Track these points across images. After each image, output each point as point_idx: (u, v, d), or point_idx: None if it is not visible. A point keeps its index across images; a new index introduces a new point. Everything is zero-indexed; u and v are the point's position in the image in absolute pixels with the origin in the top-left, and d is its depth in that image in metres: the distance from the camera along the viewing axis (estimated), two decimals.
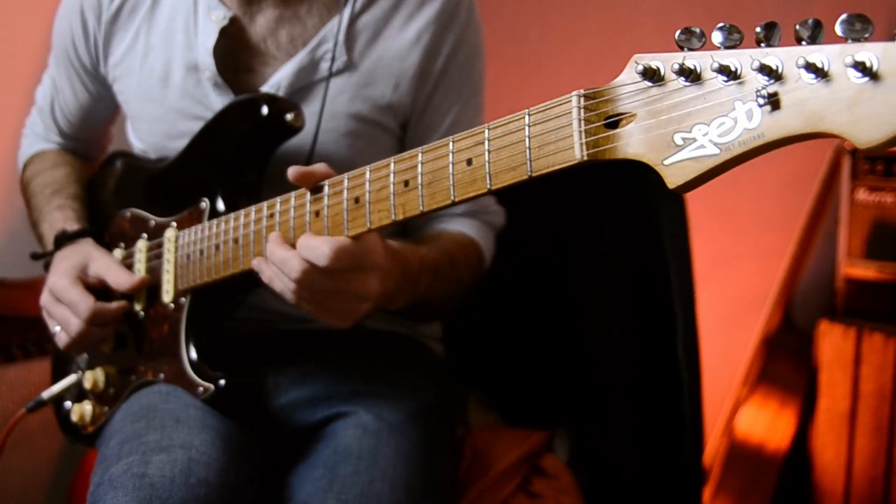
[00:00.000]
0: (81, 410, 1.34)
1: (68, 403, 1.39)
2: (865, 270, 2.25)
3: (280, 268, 1.03)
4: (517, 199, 1.43)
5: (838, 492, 2.22)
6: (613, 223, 1.68)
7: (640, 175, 1.58)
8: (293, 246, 1.04)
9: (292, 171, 1.05)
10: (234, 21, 1.31)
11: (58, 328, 1.30)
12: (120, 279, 1.28)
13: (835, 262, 2.34)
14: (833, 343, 2.24)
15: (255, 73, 1.33)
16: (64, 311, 1.28)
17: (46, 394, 1.35)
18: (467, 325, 1.63)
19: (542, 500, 1.44)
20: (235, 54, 1.32)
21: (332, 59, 1.29)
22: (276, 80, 1.30)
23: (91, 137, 1.59)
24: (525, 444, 1.51)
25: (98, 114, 1.53)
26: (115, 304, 1.28)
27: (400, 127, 1.36)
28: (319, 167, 1.06)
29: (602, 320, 1.69)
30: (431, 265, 1.22)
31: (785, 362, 2.38)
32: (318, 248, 1.00)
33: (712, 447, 2.40)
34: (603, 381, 1.69)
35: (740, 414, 2.35)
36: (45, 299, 1.31)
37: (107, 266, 1.30)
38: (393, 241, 1.15)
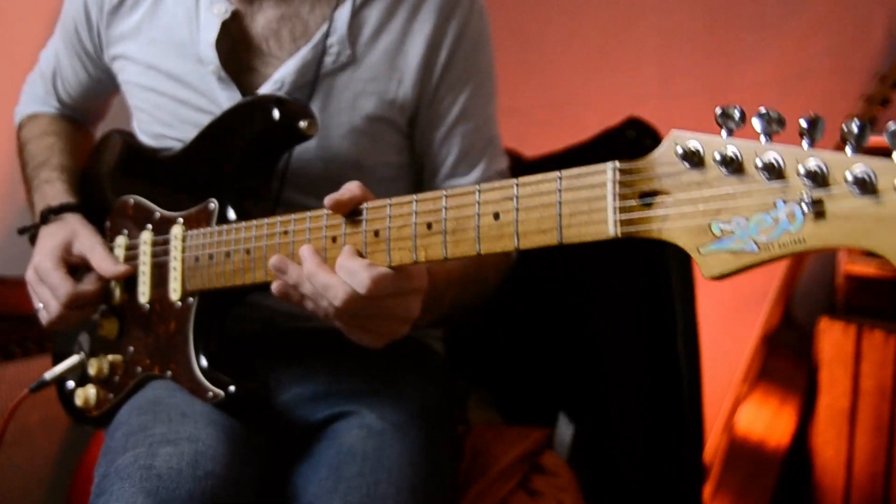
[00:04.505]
0: (86, 394, 1.35)
1: (71, 383, 1.39)
2: (866, 267, 2.25)
3: (322, 293, 1.00)
4: None
5: (838, 489, 2.23)
6: None
7: None
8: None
9: (328, 201, 1.01)
10: (235, 16, 1.31)
11: (40, 305, 1.33)
12: (104, 265, 1.29)
13: (835, 259, 2.34)
14: (833, 340, 2.24)
15: (256, 72, 1.33)
16: (45, 291, 1.30)
17: (49, 374, 1.35)
18: (468, 324, 1.63)
19: (542, 498, 1.44)
20: (237, 53, 1.32)
21: (324, 49, 1.29)
22: (280, 77, 1.30)
23: (91, 108, 1.61)
24: (525, 441, 1.51)
25: (98, 92, 1.55)
26: (91, 287, 1.30)
27: (407, 123, 1.36)
28: (353, 189, 1.02)
29: (602, 318, 1.69)
30: (458, 277, 1.21)
31: (785, 359, 2.38)
32: (358, 274, 0.96)
33: (712, 444, 2.40)
34: (603, 378, 1.69)
35: (740, 411, 2.35)
36: (29, 276, 1.34)
37: (91, 247, 1.31)
38: None
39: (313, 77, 1.30)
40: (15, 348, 1.82)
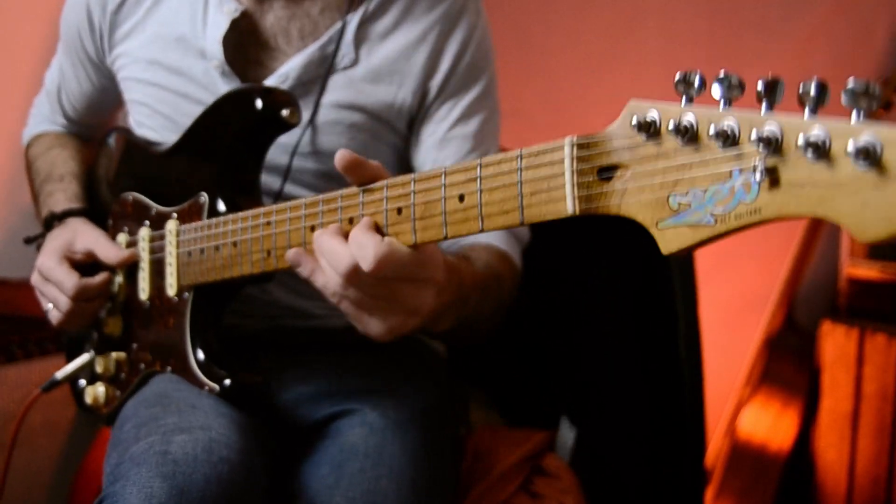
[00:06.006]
0: (95, 392, 1.36)
1: (83, 382, 1.40)
2: (868, 271, 2.25)
3: (328, 259, 0.94)
4: None
5: (841, 492, 2.22)
6: (615, 223, 1.67)
7: None
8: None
9: (342, 155, 0.95)
10: (245, 15, 1.32)
11: (49, 305, 1.34)
12: (109, 252, 1.31)
13: (837, 262, 2.34)
14: (835, 343, 2.23)
15: (263, 66, 1.34)
16: (52, 289, 1.31)
17: (60, 374, 1.36)
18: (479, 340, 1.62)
19: (543, 501, 1.43)
20: (244, 48, 1.33)
21: (335, 53, 1.31)
22: (285, 71, 1.31)
23: (96, 123, 1.61)
24: (526, 443, 1.51)
25: (103, 103, 1.55)
26: (98, 278, 1.31)
27: (406, 126, 1.37)
28: (374, 163, 0.98)
29: (604, 321, 1.69)
30: (481, 282, 1.15)
31: (787, 363, 2.38)
32: (365, 248, 0.90)
33: (715, 448, 2.40)
34: (605, 381, 1.69)
35: (743, 414, 2.35)
36: (34, 279, 1.35)
37: (95, 239, 1.32)
38: (447, 255, 1.09)
39: (316, 75, 1.31)
40: (17, 350, 1.82)
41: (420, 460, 1.24)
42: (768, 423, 2.31)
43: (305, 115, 1.30)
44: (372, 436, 1.24)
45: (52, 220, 1.39)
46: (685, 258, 1.56)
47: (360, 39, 1.32)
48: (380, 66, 1.32)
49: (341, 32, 1.31)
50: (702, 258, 1.60)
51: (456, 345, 1.42)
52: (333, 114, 1.31)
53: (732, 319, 2.58)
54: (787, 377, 2.36)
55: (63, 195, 1.44)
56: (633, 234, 1.67)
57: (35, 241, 1.43)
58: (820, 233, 2.43)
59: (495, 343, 1.77)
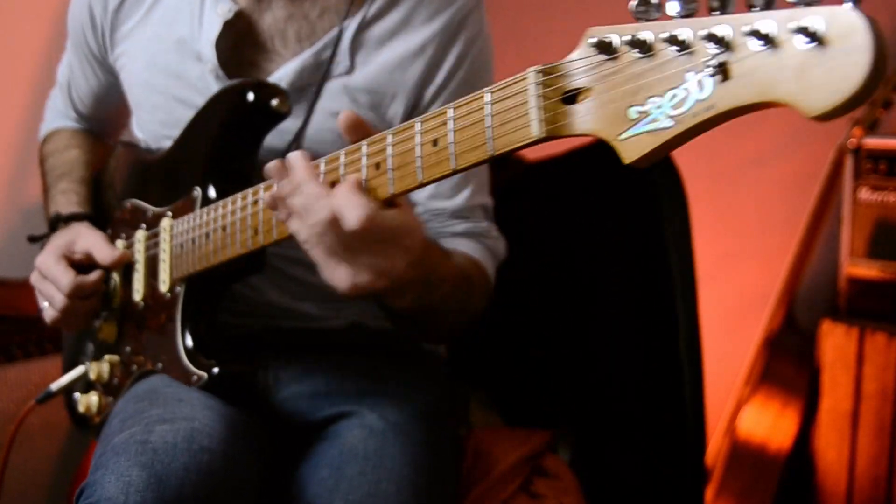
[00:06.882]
0: (88, 401, 1.37)
1: (77, 395, 1.40)
2: (868, 270, 2.24)
3: (309, 205, 0.95)
4: (520, 200, 1.43)
5: (841, 492, 2.22)
6: (616, 224, 1.68)
7: (643, 176, 1.58)
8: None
9: (347, 115, 0.98)
10: (240, 15, 1.31)
11: (45, 304, 1.35)
12: (104, 253, 1.32)
13: (837, 261, 2.34)
14: (835, 343, 2.23)
15: (258, 68, 1.33)
16: (49, 287, 1.32)
17: (55, 385, 1.38)
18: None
19: (543, 501, 1.43)
20: (240, 49, 1.33)
21: (331, 59, 1.30)
22: (279, 76, 1.30)
23: (106, 118, 1.62)
24: (527, 444, 1.51)
25: (110, 99, 1.55)
26: (93, 275, 1.32)
27: None
28: (374, 128, 1.00)
29: (604, 320, 1.69)
30: (452, 275, 1.17)
31: (787, 362, 2.38)
32: (352, 209, 0.92)
33: (714, 447, 2.40)
34: (605, 380, 1.69)
35: (742, 414, 2.35)
36: (33, 277, 1.36)
37: (94, 241, 1.34)
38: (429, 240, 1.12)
39: (311, 81, 1.30)
40: (16, 350, 1.82)
41: (420, 462, 1.24)
42: (768, 423, 2.30)
43: (298, 121, 1.30)
44: (371, 438, 1.24)
45: (58, 222, 1.41)
46: (685, 259, 1.56)
47: (356, 46, 1.30)
48: (375, 75, 1.30)
49: (338, 39, 1.30)
50: (702, 258, 1.60)
51: (413, 334, 1.38)
52: (327, 121, 1.30)
53: (732, 319, 2.58)
54: (786, 377, 2.35)
55: (71, 198, 1.45)
56: (635, 235, 1.67)
57: (39, 241, 1.44)
58: (820, 232, 2.43)
59: (495, 343, 1.77)
